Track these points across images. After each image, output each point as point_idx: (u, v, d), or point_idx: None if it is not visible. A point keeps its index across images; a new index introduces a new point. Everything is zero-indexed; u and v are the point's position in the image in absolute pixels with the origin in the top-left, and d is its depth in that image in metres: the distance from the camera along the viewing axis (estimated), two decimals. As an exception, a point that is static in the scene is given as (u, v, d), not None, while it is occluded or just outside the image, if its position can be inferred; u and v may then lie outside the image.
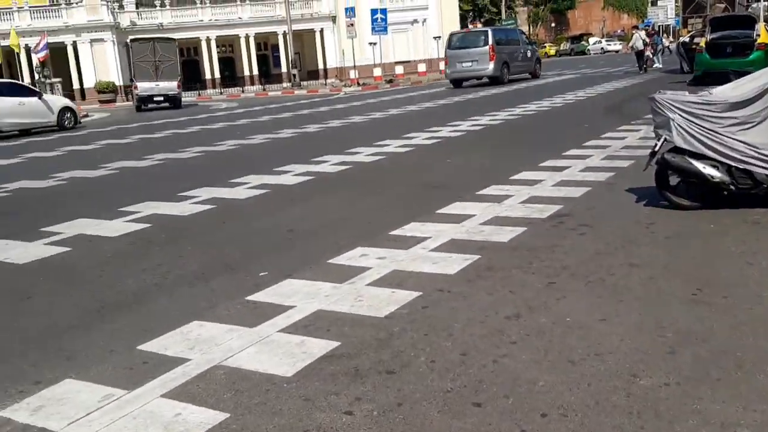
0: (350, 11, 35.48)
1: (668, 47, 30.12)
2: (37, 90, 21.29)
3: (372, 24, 34.33)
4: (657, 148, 5.61)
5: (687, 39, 18.82)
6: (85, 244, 5.90)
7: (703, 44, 17.20)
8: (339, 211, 6.61)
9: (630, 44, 26.96)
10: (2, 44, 34.24)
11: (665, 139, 5.54)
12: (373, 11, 35.52)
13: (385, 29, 35.06)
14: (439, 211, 6.05)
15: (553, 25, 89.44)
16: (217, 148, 12.21)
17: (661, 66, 26.32)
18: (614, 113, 13.19)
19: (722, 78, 17.21)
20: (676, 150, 5.46)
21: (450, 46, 26.53)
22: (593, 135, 9.93)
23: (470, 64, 24.62)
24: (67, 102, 21.31)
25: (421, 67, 47.17)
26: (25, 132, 19.07)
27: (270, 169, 9.06)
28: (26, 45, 40.40)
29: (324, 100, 26.35)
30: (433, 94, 23.61)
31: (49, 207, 7.96)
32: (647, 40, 25.19)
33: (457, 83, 25.90)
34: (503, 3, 60.29)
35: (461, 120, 13.50)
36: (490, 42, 24.60)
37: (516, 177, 7.33)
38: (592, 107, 14.64)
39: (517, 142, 10.53)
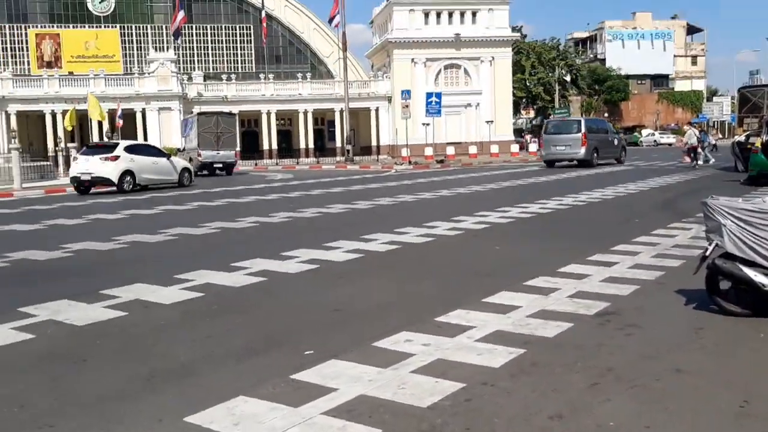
0: (406, 93, 36.53)
1: (714, 144, 30.30)
2: (166, 152, 24.94)
3: (426, 106, 35.23)
4: (708, 253, 5.60)
5: (743, 138, 18.75)
6: (140, 310, 6.11)
7: (759, 144, 17.13)
8: (386, 292, 6.70)
9: (684, 140, 27.84)
10: (78, 108, 36.02)
11: (717, 244, 5.54)
12: (428, 94, 36.51)
13: (439, 112, 35.90)
14: (485, 300, 6.09)
15: (606, 115, 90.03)
16: (271, 219, 12.56)
17: (713, 161, 26.43)
18: (666, 209, 13.13)
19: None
20: (728, 256, 5.45)
21: (546, 131, 30.11)
22: (644, 231, 9.89)
23: (564, 147, 27.74)
24: (186, 164, 24.91)
25: (472, 149, 47.89)
26: (156, 186, 22.53)
27: (320, 244, 9.27)
28: (97, 109, 42.46)
29: (375, 176, 26.89)
30: (484, 177, 23.85)
31: (112, 267, 8.28)
32: (699, 136, 25.97)
33: (551, 164, 29.13)
34: (557, 92, 61.19)
35: (510, 206, 13.60)
36: (583, 129, 27.80)
37: (564, 269, 7.33)
38: (644, 201, 14.59)
39: (566, 233, 10.54)
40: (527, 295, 6.26)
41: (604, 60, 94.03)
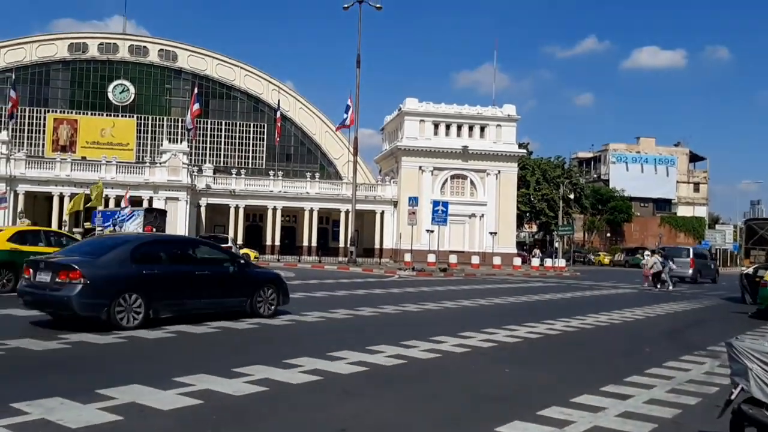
0: (414, 200, 36.95)
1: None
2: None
3: (433, 214, 35.52)
4: (733, 397, 5.38)
5: (750, 271, 18.70)
6: (136, 415, 5.84)
7: (766, 277, 17.06)
8: (393, 413, 6.43)
9: (648, 266, 30.08)
10: (87, 193, 36.31)
11: (742, 388, 5.33)
12: (435, 203, 36.90)
13: (445, 221, 36.15)
14: (497, 430, 5.82)
15: (608, 234, 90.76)
16: (272, 322, 12.30)
17: (671, 288, 28.86)
18: (675, 340, 12.89)
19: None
20: (754, 401, 5.23)
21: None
22: (656, 362, 9.64)
23: (677, 267, 32.02)
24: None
25: (475, 259, 47.86)
26: None
27: (323, 353, 9.02)
28: (106, 195, 43.00)
29: (379, 281, 26.71)
30: (488, 290, 23.67)
31: (111, 366, 8.03)
32: (662, 261, 29.26)
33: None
34: (561, 209, 61.92)
35: (517, 324, 13.37)
36: (691, 255, 36.57)
37: (577, 400, 7.07)
38: (652, 329, 14.35)
39: (576, 358, 10.27)
40: (542, 427, 5.99)
41: (607, 181, 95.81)
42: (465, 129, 57.85)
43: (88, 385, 6.70)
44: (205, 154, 66.87)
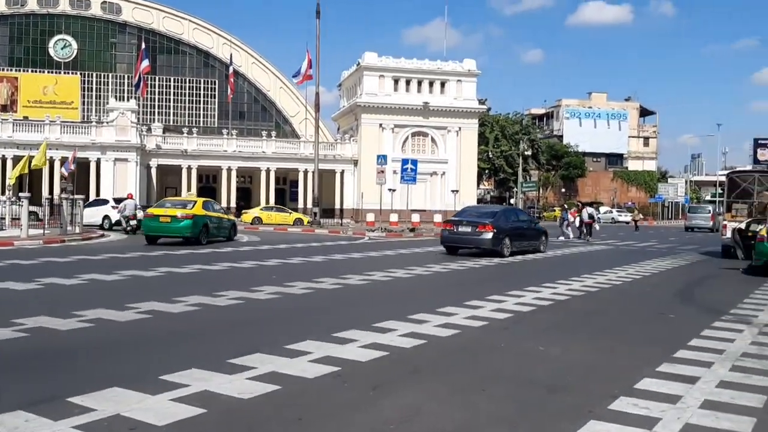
0: (382, 158, 35.65)
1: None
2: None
3: (402, 173, 34.31)
4: None
5: (743, 226, 18.11)
6: (126, 435, 4.54)
7: (764, 233, 16.46)
8: (444, 414, 5.27)
9: (583, 216, 33.35)
10: (32, 154, 33.90)
11: None
12: (404, 161, 35.71)
13: (414, 179, 35.03)
14: (580, 434, 4.75)
15: (563, 190, 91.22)
16: (256, 296, 10.99)
17: (565, 239, 31.81)
18: (689, 302, 12.10)
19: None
20: None
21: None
22: (692, 332, 8.73)
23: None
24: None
25: (437, 218, 46.96)
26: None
27: (329, 334, 7.81)
28: (50, 158, 40.44)
29: (351, 244, 25.52)
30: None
31: (80, 361, 6.65)
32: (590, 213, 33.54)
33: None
34: (520, 165, 61.43)
35: (518, 289, 12.37)
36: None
37: (641, 386, 6.05)
38: (659, 290, 13.56)
39: (601, 329, 9.27)
40: (624, 428, 4.93)
41: (561, 137, 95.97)
42: (425, 85, 56.46)
43: (55, 392, 5.36)
44: (154, 112, 63.94)
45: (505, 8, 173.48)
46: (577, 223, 33.56)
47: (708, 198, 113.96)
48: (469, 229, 20.21)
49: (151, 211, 23.10)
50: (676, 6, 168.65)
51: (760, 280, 15.49)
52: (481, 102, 60.67)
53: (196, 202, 23.58)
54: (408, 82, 56.18)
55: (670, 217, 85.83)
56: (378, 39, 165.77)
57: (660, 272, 17.18)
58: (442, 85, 56.86)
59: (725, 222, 22.28)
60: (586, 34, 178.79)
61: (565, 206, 43.26)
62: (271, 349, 7.03)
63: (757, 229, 17.23)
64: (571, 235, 32.64)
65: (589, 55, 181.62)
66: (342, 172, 56.38)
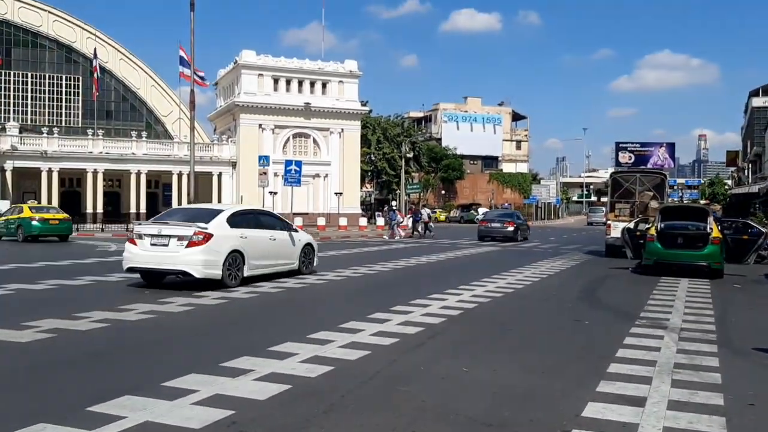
0: (264, 160, 34.00)
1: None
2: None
3: (285, 175, 32.88)
4: None
5: (632, 225, 18.27)
6: None
7: (653, 232, 16.59)
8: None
9: (423, 217, 37.50)
10: None
11: None
12: (288, 162, 34.30)
13: (299, 181, 33.73)
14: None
15: (443, 192, 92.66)
16: (124, 316, 9.37)
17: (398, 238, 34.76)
18: (597, 306, 11.69)
19: (676, 270, 16.62)
20: None
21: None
22: (612, 341, 8.15)
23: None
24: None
25: (321, 221, 45.96)
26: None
27: (263, 347, 6.55)
28: None
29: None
30: (358, 256, 21.74)
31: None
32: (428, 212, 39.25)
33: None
34: (402, 168, 61.44)
35: (420, 297, 11.48)
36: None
37: (590, 414, 5.25)
38: (561, 293, 13.12)
39: (527, 341, 8.49)
40: None
41: (439, 140, 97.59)
42: (306, 85, 55.10)
43: None
44: (9, 111, 58.41)
45: (382, 13, 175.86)
46: (409, 224, 38.02)
47: (575, 198, 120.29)
48: (499, 225, 32.61)
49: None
50: (542, 17, 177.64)
51: (653, 279, 15.55)
52: (363, 104, 60.13)
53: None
54: (288, 82, 54.57)
55: (543, 217, 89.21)
56: (255, 39, 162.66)
57: (556, 273, 16.95)
58: (324, 85, 55.73)
59: (609, 222, 22.64)
60: (460, 41, 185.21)
61: (394, 207, 46.01)
62: (199, 365, 5.62)
63: (644, 229, 17.42)
64: (403, 234, 36.22)
65: (463, 60, 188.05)
66: (219, 175, 53.89)
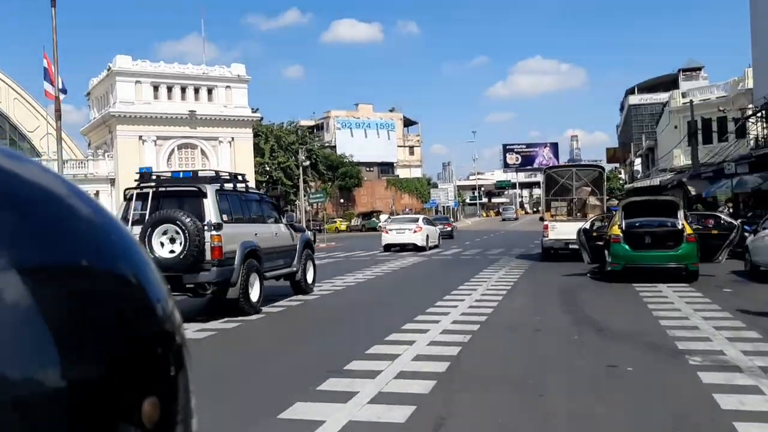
0: (147, 171, 29.53)
1: None
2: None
3: (173, 189, 28.62)
4: None
5: (587, 225, 15.96)
6: None
7: (617, 232, 14.27)
8: None
9: None
10: None
11: None
12: (176, 174, 29.92)
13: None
14: None
15: (341, 201, 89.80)
16: None
17: None
18: (606, 335, 8.98)
19: (649, 274, 14.35)
20: None
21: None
22: (694, 394, 5.41)
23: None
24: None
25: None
26: None
27: None
28: None
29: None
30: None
31: None
32: None
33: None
34: (300, 177, 58.04)
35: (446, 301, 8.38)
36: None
37: None
38: (548, 319, 10.38)
39: (580, 420, 5.59)
40: None
41: (334, 147, 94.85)
42: (190, 92, 50.61)
43: None
44: None
45: (261, 24, 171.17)
46: None
47: (468, 200, 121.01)
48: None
49: None
50: (420, 26, 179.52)
51: (626, 288, 13.23)
52: (254, 111, 56.24)
53: None
54: (170, 89, 49.89)
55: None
56: (130, 51, 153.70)
57: (513, 288, 14.25)
58: (210, 91, 51.43)
59: (546, 222, 20.35)
60: (344, 50, 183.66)
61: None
62: None
63: (602, 228, 15.15)
64: None
65: (350, 70, 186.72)
66: (97, 193, 48.29)
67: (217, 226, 10.44)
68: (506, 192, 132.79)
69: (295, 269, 13.23)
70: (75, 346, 0.46)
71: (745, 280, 14.45)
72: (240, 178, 12.83)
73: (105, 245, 0.55)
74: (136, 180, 11.98)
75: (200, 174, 12.70)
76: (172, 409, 0.53)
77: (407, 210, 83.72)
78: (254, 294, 11.18)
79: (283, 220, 13.45)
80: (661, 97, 74.75)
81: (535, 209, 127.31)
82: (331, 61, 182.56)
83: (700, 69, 66.71)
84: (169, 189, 11.37)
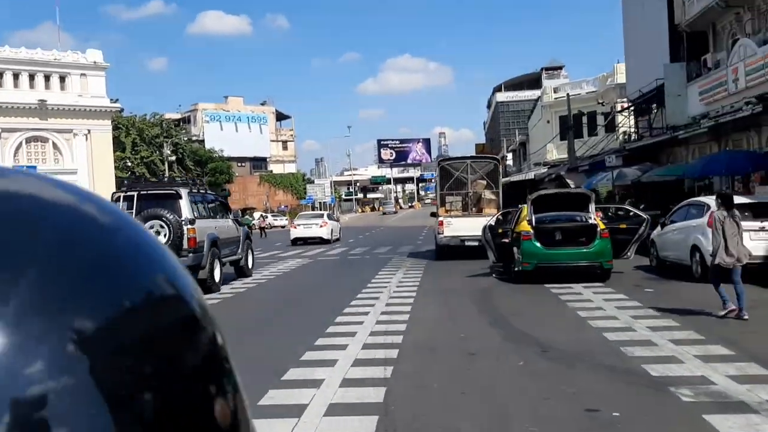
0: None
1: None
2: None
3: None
4: None
5: (492, 222, 14.72)
6: None
7: (527, 228, 13.08)
8: None
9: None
10: None
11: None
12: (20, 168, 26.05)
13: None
14: None
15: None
16: None
17: None
18: (554, 356, 7.53)
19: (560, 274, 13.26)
20: None
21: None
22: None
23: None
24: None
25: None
26: None
27: None
28: None
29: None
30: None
31: None
32: None
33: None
34: (166, 172, 54.08)
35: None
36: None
37: None
38: (468, 333, 8.84)
39: None
40: None
41: (203, 141, 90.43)
42: (40, 79, 45.50)
43: None
44: None
45: (122, 14, 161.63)
46: None
47: (344, 196, 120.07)
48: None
49: None
50: (290, 20, 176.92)
51: (540, 289, 12.11)
52: (113, 101, 51.68)
53: None
54: (16, 76, 44.58)
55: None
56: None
57: (421, 297, 12.68)
58: (62, 79, 46.50)
59: (441, 218, 19.04)
60: (211, 43, 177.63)
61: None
62: None
63: (510, 226, 13.97)
64: None
65: (218, 62, 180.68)
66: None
67: (192, 221, 13.24)
68: (381, 187, 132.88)
69: (240, 256, 16.45)
70: None
71: (657, 276, 13.75)
72: (199, 183, 17.10)
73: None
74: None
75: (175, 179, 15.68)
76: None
77: (283, 207, 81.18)
78: (217, 275, 14.19)
79: (230, 216, 16.65)
80: (527, 94, 77.12)
81: (409, 204, 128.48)
82: (198, 53, 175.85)
83: (561, 68, 69.11)
84: (150, 192, 14.00)
